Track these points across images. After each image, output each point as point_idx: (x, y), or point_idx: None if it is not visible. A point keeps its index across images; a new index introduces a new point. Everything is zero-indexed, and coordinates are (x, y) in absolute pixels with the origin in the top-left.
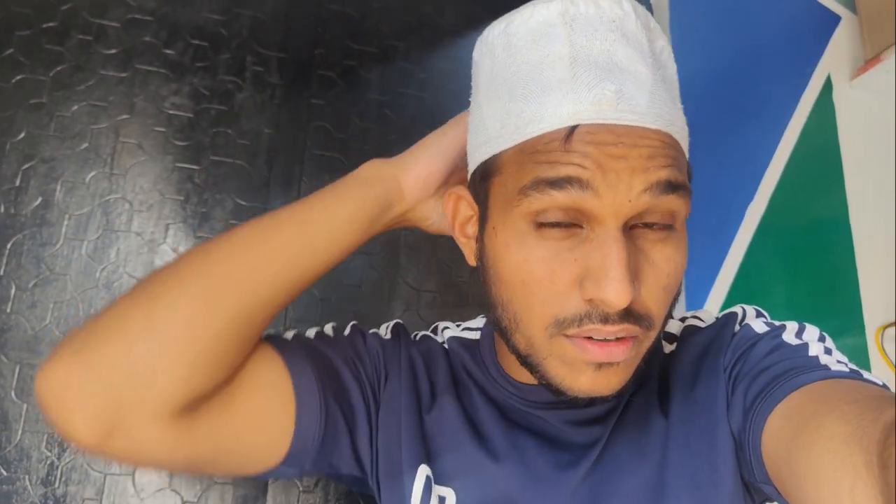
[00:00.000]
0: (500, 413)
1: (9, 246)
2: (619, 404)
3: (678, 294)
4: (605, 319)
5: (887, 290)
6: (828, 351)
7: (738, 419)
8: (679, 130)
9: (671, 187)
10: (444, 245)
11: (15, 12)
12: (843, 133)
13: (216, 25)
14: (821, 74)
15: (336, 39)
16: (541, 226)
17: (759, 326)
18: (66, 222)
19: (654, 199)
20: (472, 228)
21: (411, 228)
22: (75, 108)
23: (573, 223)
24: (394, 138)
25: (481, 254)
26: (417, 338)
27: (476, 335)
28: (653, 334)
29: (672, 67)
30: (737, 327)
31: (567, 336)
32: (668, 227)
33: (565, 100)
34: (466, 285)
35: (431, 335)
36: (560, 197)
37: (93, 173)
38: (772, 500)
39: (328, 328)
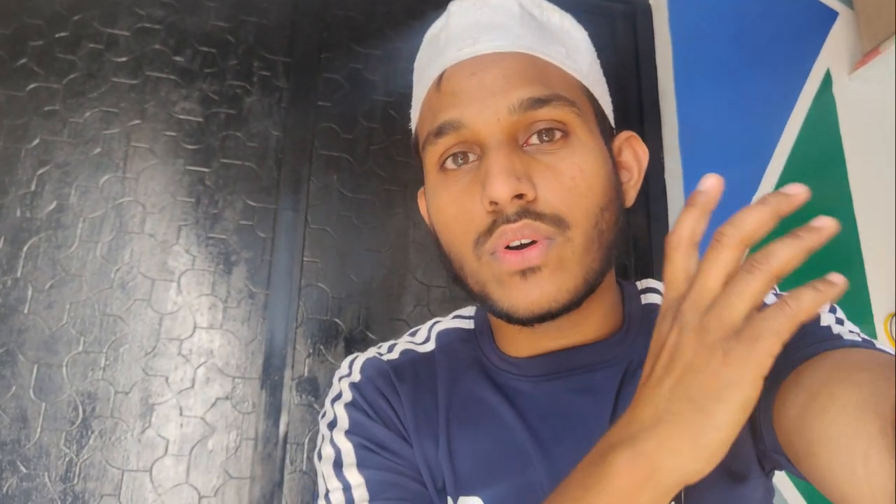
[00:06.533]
0: (509, 402)
1: (25, 249)
2: (617, 372)
3: (609, 201)
4: (508, 220)
5: (893, 278)
6: (839, 321)
7: None
8: (553, 57)
9: (538, 102)
10: None
11: (28, 23)
12: (845, 125)
13: (223, 32)
14: (820, 69)
15: (341, 43)
16: (443, 168)
17: (769, 298)
18: (80, 225)
19: (524, 117)
20: None
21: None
22: (88, 114)
23: (469, 153)
24: (399, 137)
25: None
26: (389, 354)
27: (470, 324)
28: (574, 235)
29: (571, 32)
30: None
31: (490, 253)
32: (564, 136)
33: (437, 60)
34: None
35: (414, 345)
36: (445, 141)
37: (106, 177)
38: (780, 469)
39: (325, 487)
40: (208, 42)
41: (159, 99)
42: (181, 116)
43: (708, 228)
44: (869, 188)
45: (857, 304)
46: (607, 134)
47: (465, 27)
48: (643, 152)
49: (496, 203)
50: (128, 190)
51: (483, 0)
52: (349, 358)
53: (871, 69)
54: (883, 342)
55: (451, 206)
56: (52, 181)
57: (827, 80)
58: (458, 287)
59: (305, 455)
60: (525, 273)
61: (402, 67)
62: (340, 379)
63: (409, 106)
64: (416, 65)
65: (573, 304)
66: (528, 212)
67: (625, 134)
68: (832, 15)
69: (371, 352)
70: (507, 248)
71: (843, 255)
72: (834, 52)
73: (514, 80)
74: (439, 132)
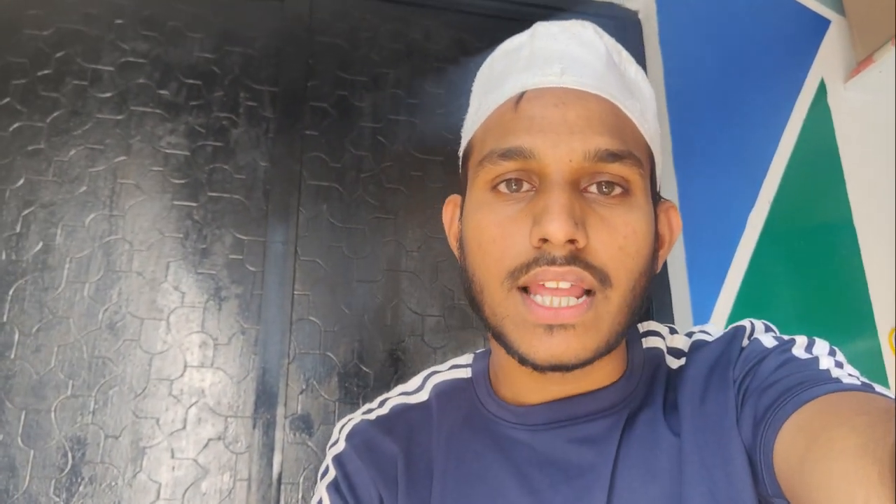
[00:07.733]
0: (505, 455)
1: (11, 292)
2: (619, 420)
3: (648, 266)
4: (552, 261)
5: None
6: (839, 364)
7: (749, 433)
8: (631, 112)
9: (613, 156)
10: (446, 269)
11: (10, 62)
12: (841, 135)
13: (208, 64)
14: (814, 79)
15: (327, 71)
16: (495, 189)
17: (768, 341)
18: (67, 265)
19: (594, 166)
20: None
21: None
22: (73, 152)
23: (525, 181)
24: (388, 164)
25: (460, 239)
26: (379, 409)
27: (467, 373)
28: (613, 295)
29: (642, 88)
30: (745, 341)
31: (520, 289)
32: (624, 193)
33: (519, 78)
34: (469, 308)
35: (406, 396)
36: (509, 165)
37: (92, 216)
38: None
39: None
40: (193, 74)
41: (145, 134)
42: (167, 151)
43: (708, 239)
44: (868, 198)
45: (860, 318)
46: (655, 199)
47: (553, 53)
48: (677, 225)
49: (546, 241)
50: (115, 228)
51: (572, 31)
52: (341, 422)
53: (866, 77)
54: (887, 356)
55: (493, 227)
56: (37, 222)
57: (821, 90)
58: (472, 311)
59: (300, 495)
60: (553, 328)
61: (390, 93)
62: (329, 447)
63: (398, 132)
64: (487, 73)
65: (589, 362)
66: (577, 259)
67: (666, 203)
68: (824, 24)
69: (359, 414)
70: (537, 303)
71: (844, 268)
72: (827, 61)
73: (595, 126)
74: (506, 154)
